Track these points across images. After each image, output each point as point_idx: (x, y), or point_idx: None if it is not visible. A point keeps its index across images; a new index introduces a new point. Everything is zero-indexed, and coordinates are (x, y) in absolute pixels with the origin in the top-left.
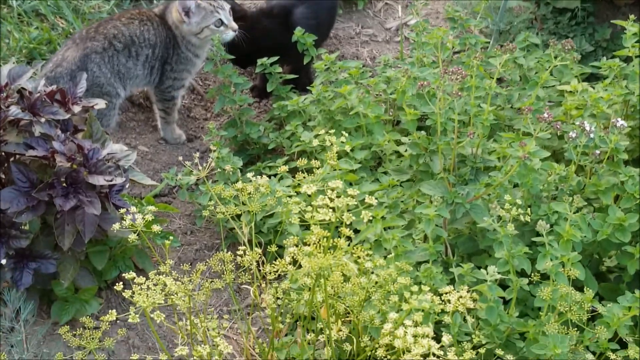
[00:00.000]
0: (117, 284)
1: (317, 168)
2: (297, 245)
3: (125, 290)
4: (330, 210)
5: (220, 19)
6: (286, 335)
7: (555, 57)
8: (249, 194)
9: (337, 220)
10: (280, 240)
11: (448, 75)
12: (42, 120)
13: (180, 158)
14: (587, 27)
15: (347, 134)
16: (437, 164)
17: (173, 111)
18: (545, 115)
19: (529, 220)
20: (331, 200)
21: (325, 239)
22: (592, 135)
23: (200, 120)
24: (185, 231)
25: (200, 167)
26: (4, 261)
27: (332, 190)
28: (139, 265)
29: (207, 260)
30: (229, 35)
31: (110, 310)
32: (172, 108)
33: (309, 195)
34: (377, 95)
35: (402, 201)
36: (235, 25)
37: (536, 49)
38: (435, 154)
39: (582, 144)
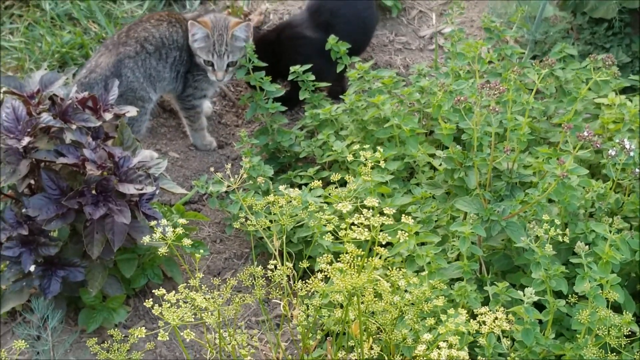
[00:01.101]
0: (145, 293)
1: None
2: (330, 263)
3: (155, 307)
4: (366, 229)
5: (210, 62)
6: (315, 349)
7: (595, 70)
8: (281, 206)
9: (372, 239)
10: (311, 252)
11: (485, 90)
12: (73, 127)
13: (211, 166)
14: (624, 37)
15: (379, 145)
16: (473, 179)
17: (197, 119)
18: (585, 133)
19: (567, 240)
20: (367, 218)
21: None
22: (632, 154)
23: (232, 126)
24: (215, 239)
25: (230, 176)
26: (32, 268)
27: (367, 208)
28: (167, 274)
29: (237, 270)
30: (212, 78)
31: (138, 323)
32: (195, 116)
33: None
34: (410, 105)
35: (436, 216)
36: (220, 77)
37: (572, 60)
38: (471, 169)
39: (621, 162)
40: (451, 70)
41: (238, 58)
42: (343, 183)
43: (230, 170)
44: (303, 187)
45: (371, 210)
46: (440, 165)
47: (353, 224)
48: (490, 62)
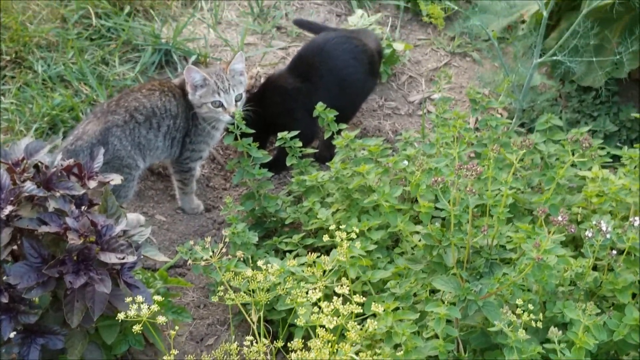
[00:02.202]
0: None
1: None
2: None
3: None
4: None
5: (219, 101)
6: None
7: (573, 152)
8: (258, 282)
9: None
10: (292, 319)
11: (462, 171)
12: (57, 195)
13: (197, 230)
14: (611, 106)
15: (365, 213)
16: (450, 258)
17: (191, 182)
18: (560, 218)
19: (540, 326)
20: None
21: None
22: (608, 236)
23: (219, 190)
24: (199, 304)
25: (216, 241)
26: (12, 335)
27: (338, 296)
28: (149, 339)
29: (220, 337)
30: (226, 118)
31: None
32: (189, 179)
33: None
34: (396, 174)
35: (415, 290)
36: (233, 110)
37: (558, 130)
38: (449, 247)
39: (599, 242)
40: (436, 140)
41: (242, 91)
42: (329, 249)
43: (216, 234)
44: (287, 253)
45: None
46: (420, 241)
47: (321, 310)
48: (477, 128)
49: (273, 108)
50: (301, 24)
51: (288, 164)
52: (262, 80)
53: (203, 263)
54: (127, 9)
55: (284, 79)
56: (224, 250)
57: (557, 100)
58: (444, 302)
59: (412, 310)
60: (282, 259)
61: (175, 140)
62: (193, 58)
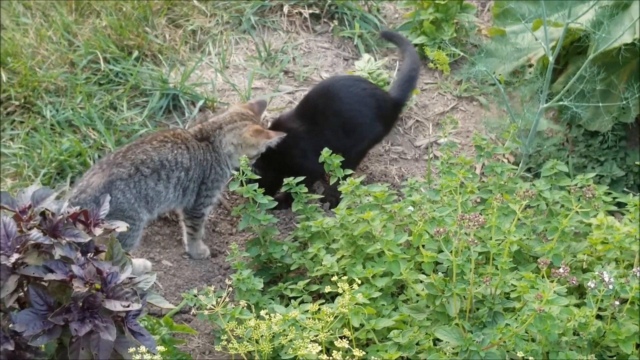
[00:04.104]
0: None
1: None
2: None
3: None
4: None
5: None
6: None
7: (579, 198)
8: (262, 333)
9: None
10: None
11: (465, 222)
12: (63, 242)
13: (203, 275)
14: (618, 151)
15: (369, 260)
16: (453, 308)
17: (201, 227)
18: (561, 270)
19: None
20: None
21: None
22: (611, 287)
23: (226, 234)
24: (204, 350)
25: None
26: None
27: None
28: None
29: None
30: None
31: None
32: (200, 224)
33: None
34: (401, 220)
35: (417, 342)
36: None
37: (563, 176)
38: (452, 297)
39: (601, 292)
40: (441, 187)
41: None
42: (335, 295)
43: (221, 279)
44: (292, 300)
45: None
46: (423, 290)
47: None
48: (482, 173)
49: (283, 150)
50: (388, 35)
51: (294, 209)
52: (269, 125)
53: (207, 312)
54: (135, 53)
55: (291, 121)
56: (229, 296)
57: (564, 145)
58: (445, 353)
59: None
60: (287, 305)
61: (188, 190)
62: (200, 103)
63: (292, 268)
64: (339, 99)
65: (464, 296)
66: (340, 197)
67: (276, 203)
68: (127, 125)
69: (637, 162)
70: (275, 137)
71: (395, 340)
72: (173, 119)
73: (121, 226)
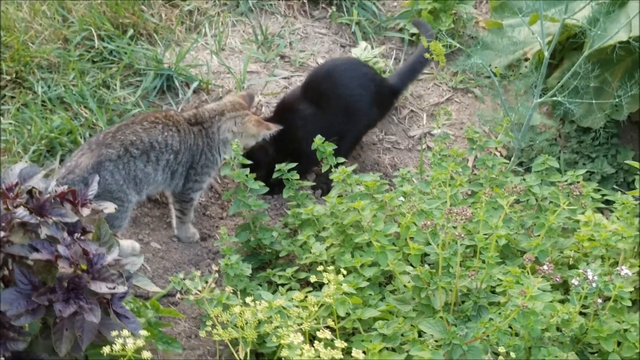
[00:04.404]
0: None
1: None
2: None
3: None
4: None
5: None
6: None
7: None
8: (246, 320)
9: None
10: (281, 353)
11: (452, 215)
12: (50, 221)
13: (192, 259)
14: (610, 147)
15: (358, 249)
16: (438, 300)
17: (190, 211)
18: (545, 267)
19: None
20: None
21: None
22: (594, 285)
23: (216, 218)
24: (190, 334)
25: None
26: None
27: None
28: None
29: None
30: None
31: None
32: (189, 209)
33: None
34: (392, 210)
35: (402, 334)
36: None
37: (554, 172)
38: (437, 290)
39: (585, 290)
40: (432, 179)
41: None
42: (323, 283)
43: (210, 264)
44: (280, 287)
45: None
46: (409, 282)
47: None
48: (474, 166)
49: (288, 132)
50: (417, 23)
51: (285, 196)
52: (263, 110)
53: (192, 297)
54: (130, 32)
55: (298, 103)
56: (216, 282)
57: (556, 140)
58: (428, 346)
59: (399, 351)
60: (274, 291)
61: (177, 173)
62: (195, 85)
63: (281, 255)
64: (342, 83)
65: (450, 289)
66: (332, 185)
67: (267, 189)
68: (120, 105)
69: (627, 161)
70: (273, 129)
71: (380, 331)
72: (167, 99)
73: (109, 207)
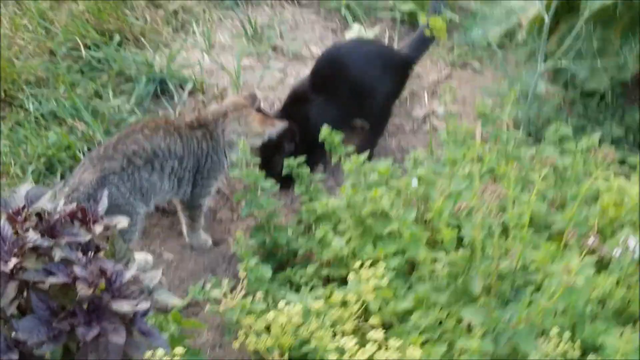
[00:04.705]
0: None
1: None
2: None
3: None
4: None
5: None
6: None
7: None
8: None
9: None
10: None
11: (486, 195)
12: (62, 242)
13: (207, 267)
14: (616, 109)
15: (378, 239)
16: (477, 285)
17: (200, 217)
18: (590, 241)
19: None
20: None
21: None
22: (636, 256)
23: (227, 222)
24: (214, 345)
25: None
26: None
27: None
28: None
29: None
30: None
31: None
32: (199, 215)
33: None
34: (407, 195)
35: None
36: None
37: (569, 139)
38: (475, 274)
39: (626, 260)
40: (448, 160)
41: None
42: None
43: (227, 269)
44: (303, 286)
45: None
46: (443, 268)
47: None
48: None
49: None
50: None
51: (296, 192)
52: (262, 105)
53: (221, 307)
54: (116, 38)
55: (309, 93)
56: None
57: (561, 107)
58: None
59: (439, 342)
60: (297, 291)
61: (183, 179)
62: (189, 86)
63: (299, 253)
64: (347, 65)
65: (489, 273)
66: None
67: (278, 186)
68: (115, 114)
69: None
70: (280, 126)
71: (418, 322)
72: (162, 104)
73: (122, 221)
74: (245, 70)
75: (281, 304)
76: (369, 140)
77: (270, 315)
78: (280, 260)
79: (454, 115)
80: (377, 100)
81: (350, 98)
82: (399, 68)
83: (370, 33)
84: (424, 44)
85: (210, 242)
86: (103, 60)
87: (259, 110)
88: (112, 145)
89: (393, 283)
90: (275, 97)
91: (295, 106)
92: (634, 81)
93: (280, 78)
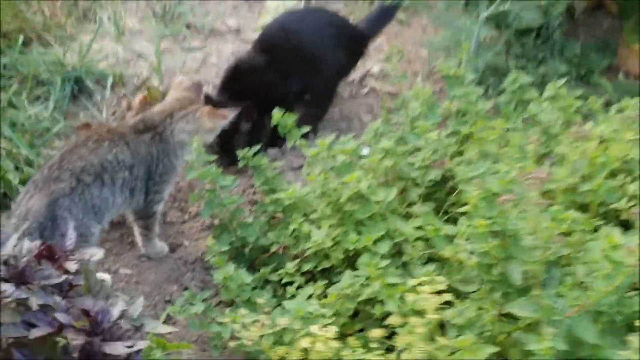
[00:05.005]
0: None
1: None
2: None
3: None
4: None
5: None
6: None
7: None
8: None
9: None
10: None
11: (528, 181)
12: (36, 289)
13: (169, 276)
14: (554, 44)
15: (360, 225)
16: (518, 273)
17: (155, 225)
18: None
19: None
20: None
21: None
22: None
23: (178, 223)
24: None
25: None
26: None
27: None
28: None
29: None
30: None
31: None
32: (154, 223)
33: None
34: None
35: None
36: None
37: (529, 89)
38: (513, 263)
39: None
40: (421, 130)
41: None
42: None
43: (193, 277)
44: (285, 287)
45: None
46: (471, 256)
47: None
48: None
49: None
50: None
51: (257, 183)
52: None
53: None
54: (20, 39)
55: (255, 67)
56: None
57: (499, 51)
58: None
59: (488, 342)
60: (274, 290)
61: (135, 189)
62: (110, 81)
63: (272, 249)
64: (296, 33)
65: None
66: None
67: (238, 180)
68: (35, 124)
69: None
70: (231, 115)
71: (453, 321)
72: (82, 104)
73: (97, 254)
74: (164, 54)
75: (314, 328)
76: (313, 114)
77: (305, 341)
78: (250, 259)
79: (404, 76)
80: (325, 71)
81: (299, 68)
82: (352, 41)
83: (293, 2)
84: (382, 20)
85: (166, 248)
86: (9, 66)
87: (207, 99)
88: (56, 165)
89: (387, 269)
90: (202, 80)
91: (240, 81)
92: (571, 13)
93: (203, 58)
